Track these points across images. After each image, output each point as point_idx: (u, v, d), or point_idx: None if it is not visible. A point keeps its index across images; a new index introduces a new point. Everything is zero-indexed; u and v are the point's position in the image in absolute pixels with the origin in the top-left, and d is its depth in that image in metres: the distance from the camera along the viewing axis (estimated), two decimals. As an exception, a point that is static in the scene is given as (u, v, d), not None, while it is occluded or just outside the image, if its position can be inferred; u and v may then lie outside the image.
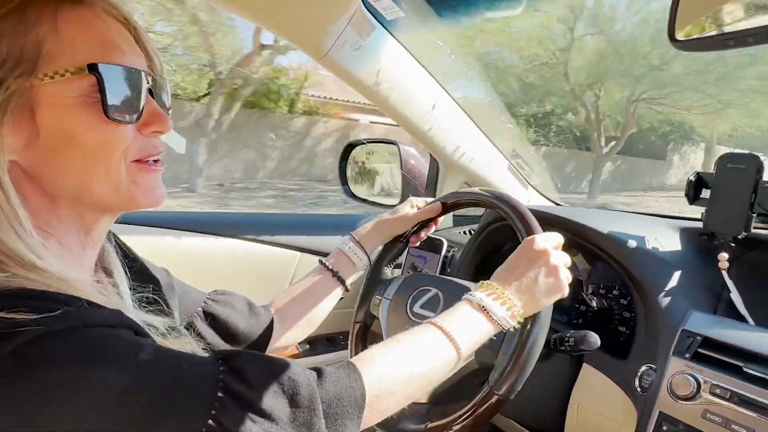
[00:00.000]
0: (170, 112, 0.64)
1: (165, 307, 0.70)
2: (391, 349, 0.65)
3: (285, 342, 0.93)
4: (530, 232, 0.81)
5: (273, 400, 0.51)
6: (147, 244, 1.27)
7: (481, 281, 0.77)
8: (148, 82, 0.58)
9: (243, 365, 0.52)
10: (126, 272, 0.68)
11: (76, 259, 0.58)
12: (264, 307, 0.91)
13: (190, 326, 0.80)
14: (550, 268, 0.75)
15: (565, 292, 0.76)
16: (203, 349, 0.66)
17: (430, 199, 1.05)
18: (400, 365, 0.63)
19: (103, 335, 0.46)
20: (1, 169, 0.50)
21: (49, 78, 0.50)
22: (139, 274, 0.72)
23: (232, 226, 1.45)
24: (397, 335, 0.68)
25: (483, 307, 0.71)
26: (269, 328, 0.89)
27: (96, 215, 0.59)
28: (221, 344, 0.81)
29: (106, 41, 0.54)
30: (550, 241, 0.78)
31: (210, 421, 0.47)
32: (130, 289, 0.66)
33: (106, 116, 0.53)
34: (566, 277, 0.77)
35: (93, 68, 0.52)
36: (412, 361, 0.64)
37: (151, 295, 0.68)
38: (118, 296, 0.62)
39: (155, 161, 0.59)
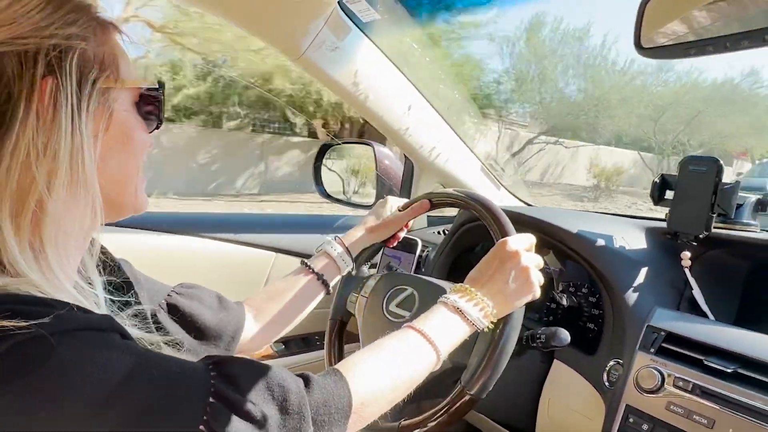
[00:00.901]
0: None
1: (148, 318, 0.69)
2: (376, 355, 0.67)
3: (260, 339, 0.92)
4: (504, 233, 0.83)
5: (263, 406, 0.52)
6: (118, 244, 1.25)
7: (455, 284, 0.79)
8: None
9: (233, 371, 0.53)
10: (100, 272, 0.67)
11: (71, 264, 0.59)
12: (236, 303, 0.90)
13: (153, 318, 0.79)
14: (522, 269, 0.77)
15: (537, 293, 0.78)
16: (166, 343, 0.67)
17: (405, 200, 1.06)
18: (385, 372, 0.65)
19: (94, 338, 0.47)
20: (91, 162, 0.55)
21: (127, 84, 0.61)
22: (113, 274, 0.71)
23: (207, 226, 1.44)
24: (380, 341, 0.69)
25: (458, 308, 0.74)
26: (240, 324, 0.88)
27: (106, 218, 0.60)
28: (187, 338, 0.80)
29: (128, 60, 0.63)
30: (522, 243, 0.80)
31: (201, 427, 0.47)
32: (105, 290, 0.66)
33: (158, 126, 0.66)
34: (537, 279, 0.79)
35: (161, 85, 0.65)
36: (396, 366, 0.66)
37: (130, 299, 0.69)
38: (95, 304, 0.62)
39: None
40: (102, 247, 0.72)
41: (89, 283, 0.63)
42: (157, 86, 0.65)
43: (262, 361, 0.58)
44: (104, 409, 0.44)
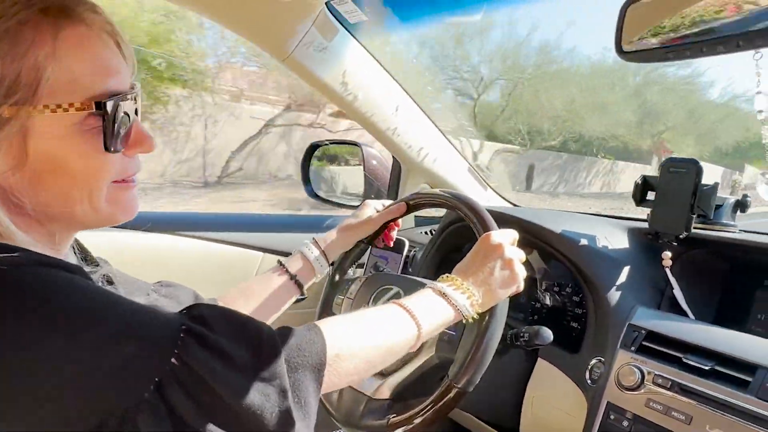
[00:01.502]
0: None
1: None
2: (356, 317, 0.69)
3: None
4: (486, 228, 0.84)
5: (236, 344, 0.52)
6: (102, 241, 1.25)
7: (442, 275, 0.80)
8: (135, 102, 0.57)
9: (204, 312, 0.53)
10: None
11: None
12: (211, 300, 0.89)
13: None
14: (506, 261, 0.78)
15: (521, 285, 0.80)
16: None
17: (388, 202, 1.06)
18: (362, 331, 0.66)
19: (65, 276, 0.48)
20: None
21: (50, 111, 0.49)
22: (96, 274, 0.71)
23: (193, 224, 1.44)
24: (361, 309, 0.70)
25: (444, 293, 0.75)
26: None
27: (70, 232, 0.60)
28: None
29: (106, 66, 0.53)
30: (505, 237, 0.81)
31: (173, 360, 0.47)
32: None
33: (106, 149, 0.52)
34: (521, 270, 0.80)
35: (99, 106, 0.51)
36: (374, 329, 0.67)
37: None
38: None
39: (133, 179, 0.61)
40: (81, 246, 0.71)
41: None
42: (92, 108, 0.51)
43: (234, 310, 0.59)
44: (75, 335, 0.44)
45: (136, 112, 0.58)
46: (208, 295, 0.91)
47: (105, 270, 0.75)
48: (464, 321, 0.76)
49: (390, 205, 1.04)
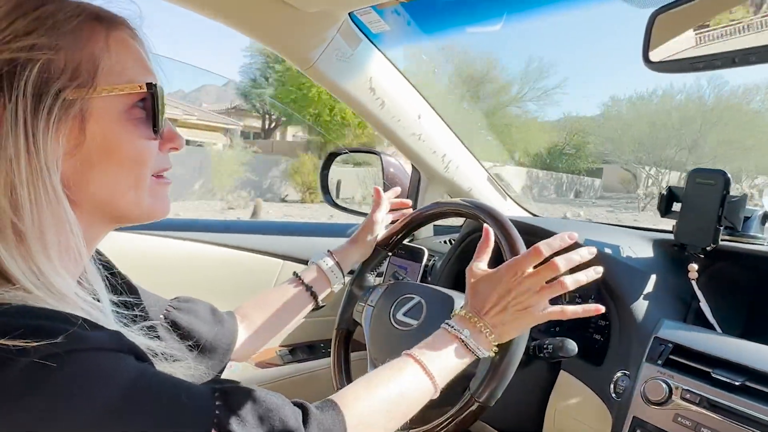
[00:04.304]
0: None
1: (146, 315, 0.70)
2: (374, 388, 0.67)
3: (247, 347, 0.93)
4: (514, 252, 0.83)
5: None
6: (119, 246, 1.26)
7: (456, 312, 0.79)
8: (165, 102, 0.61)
9: (237, 403, 0.54)
10: (106, 284, 0.68)
11: (70, 272, 0.58)
12: (228, 314, 0.91)
13: (152, 332, 0.80)
14: (530, 297, 0.75)
15: (541, 320, 0.77)
16: (164, 355, 0.67)
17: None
18: (382, 406, 0.66)
19: (104, 359, 0.47)
20: (54, 178, 0.52)
21: (107, 92, 0.54)
22: (121, 286, 0.72)
23: (215, 231, 1.45)
24: (378, 370, 0.70)
25: (460, 339, 0.74)
26: (234, 336, 0.89)
27: (106, 226, 0.61)
28: (184, 351, 0.81)
29: (143, 63, 0.59)
30: (530, 263, 0.76)
31: None
32: (113, 304, 0.66)
33: (154, 131, 0.58)
34: (544, 306, 0.76)
35: (150, 86, 0.57)
36: (393, 400, 0.67)
37: (138, 313, 0.69)
38: (100, 312, 0.62)
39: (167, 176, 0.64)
40: (108, 261, 0.73)
41: (94, 297, 0.64)
42: (144, 88, 0.57)
43: (266, 392, 0.59)
44: (107, 429, 0.45)
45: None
46: (228, 303, 0.92)
47: (126, 281, 0.76)
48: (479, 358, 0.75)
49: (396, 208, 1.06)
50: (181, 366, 0.64)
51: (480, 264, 0.82)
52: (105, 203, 0.57)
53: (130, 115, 0.57)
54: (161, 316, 0.81)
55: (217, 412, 0.52)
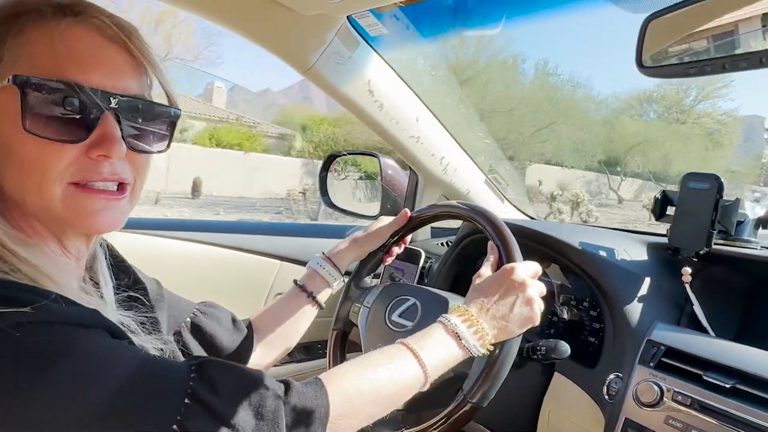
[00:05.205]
0: (169, 136, 0.64)
1: (149, 310, 0.71)
2: (362, 368, 0.66)
3: (263, 360, 0.94)
4: (511, 258, 0.83)
5: (239, 411, 0.53)
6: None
7: (456, 303, 0.80)
8: (110, 104, 0.55)
9: (213, 374, 0.54)
10: (112, 278, 0.69)
11: (62, 269, 0.58)
12: (245, 322, 0.93)
13: (177, 336, 0.81)
14: (527, 299, 0.77)
15: (537, 322, 0.79)
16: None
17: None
18: (369, 387, 0.64)
19: (74, 332, 0.48)
20: None
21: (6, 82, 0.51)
22: (129, 280, 0.73)
23: (211, 232, 1.46)
24: (370, 353, 0.69)
25: (456, 333, 0.74)
26: (250, 345, 0.90)
27: (61, 228, 0.59)
28: (203, 356, 0.82)
29: (78, 57, 0.53)
30: (528, 271, 0.80)
31: (174, 426, 0.48)
32: (115, 293, 0.67)
33: (24, 129, 0.51)
34: (540, 308, 0.79)
35: (16, 80, 0.51)
36: (380, 382, 0.65)
37: (133, 293, 0.70)
38: (100, 298, 0.63)
39: (102, 188, 0.57)
40: (115, 252, 0.74)
41: (96, 283, 0.65)
42: (77, 84, 0.52)
43: (246, 366, 0.59)
44: (78, 401, 0.45)
45: (118, 116, 0.56)
46: (226, 303, 0.93)
47: (154, 291, 0.77)
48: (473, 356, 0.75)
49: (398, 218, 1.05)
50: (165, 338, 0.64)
51: (486, 270, 0.83)
52: (21, 204, 0.56)
53: (35, 113, 0.51)
54: (187, 319, 0.83)
55: (191, 383, 0.51)
